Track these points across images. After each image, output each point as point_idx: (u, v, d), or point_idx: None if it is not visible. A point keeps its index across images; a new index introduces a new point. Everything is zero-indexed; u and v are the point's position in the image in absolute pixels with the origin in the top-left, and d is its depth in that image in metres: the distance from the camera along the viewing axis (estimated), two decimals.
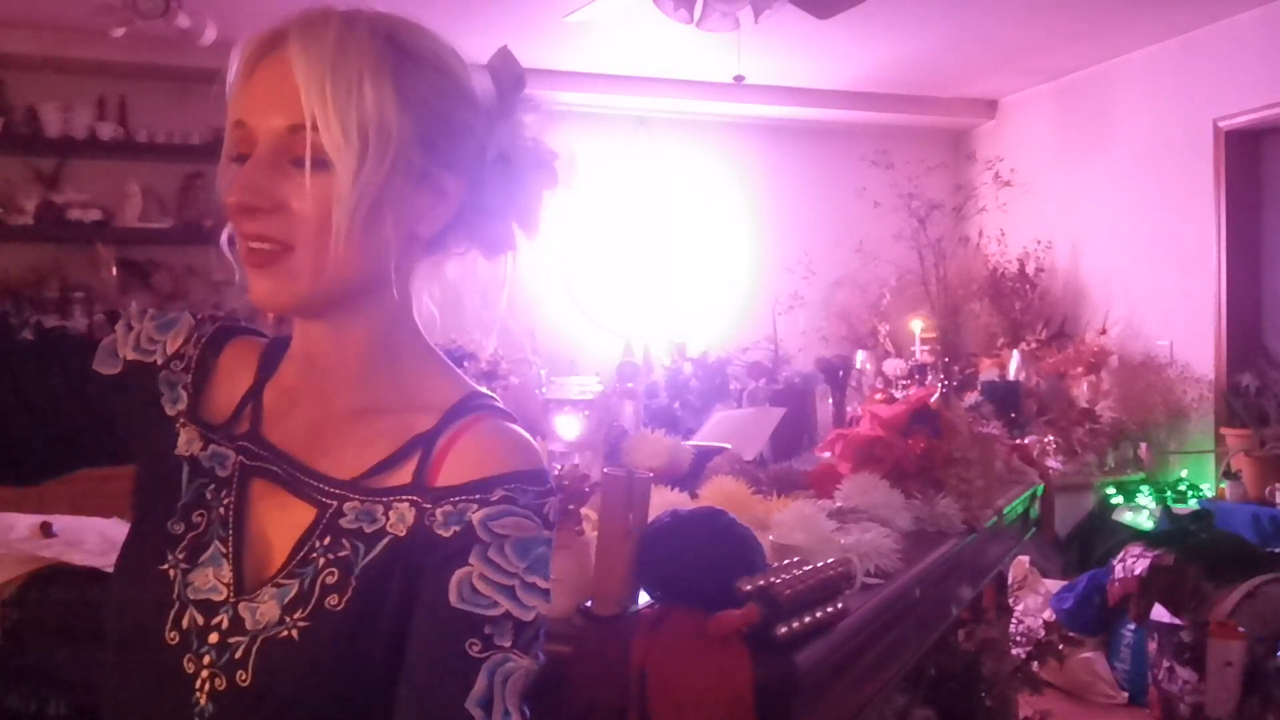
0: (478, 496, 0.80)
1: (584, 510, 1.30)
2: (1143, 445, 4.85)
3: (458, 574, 0.78)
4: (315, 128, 0.76)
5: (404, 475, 0.82)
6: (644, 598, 1.27)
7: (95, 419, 0.89)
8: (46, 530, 2.15)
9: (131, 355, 0.90)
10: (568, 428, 1.65)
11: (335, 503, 0.82)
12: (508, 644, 0.77)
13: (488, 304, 0.90)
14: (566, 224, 5.71)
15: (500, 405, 0.87)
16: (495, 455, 0.82)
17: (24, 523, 2.15)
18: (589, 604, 1.25)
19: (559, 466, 1.49)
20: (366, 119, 0.77)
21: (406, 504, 0.81)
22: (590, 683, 1.17)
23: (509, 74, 0.86)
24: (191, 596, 0.81)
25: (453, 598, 0.77)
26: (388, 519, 0.81)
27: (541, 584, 0.80)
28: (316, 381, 0.87)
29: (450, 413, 0.85)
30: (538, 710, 0.81)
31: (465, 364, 2.75)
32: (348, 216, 0.77)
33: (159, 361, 0.90)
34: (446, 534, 0.79)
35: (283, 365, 0.89)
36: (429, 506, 0.81)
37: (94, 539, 2.14)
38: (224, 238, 0.85)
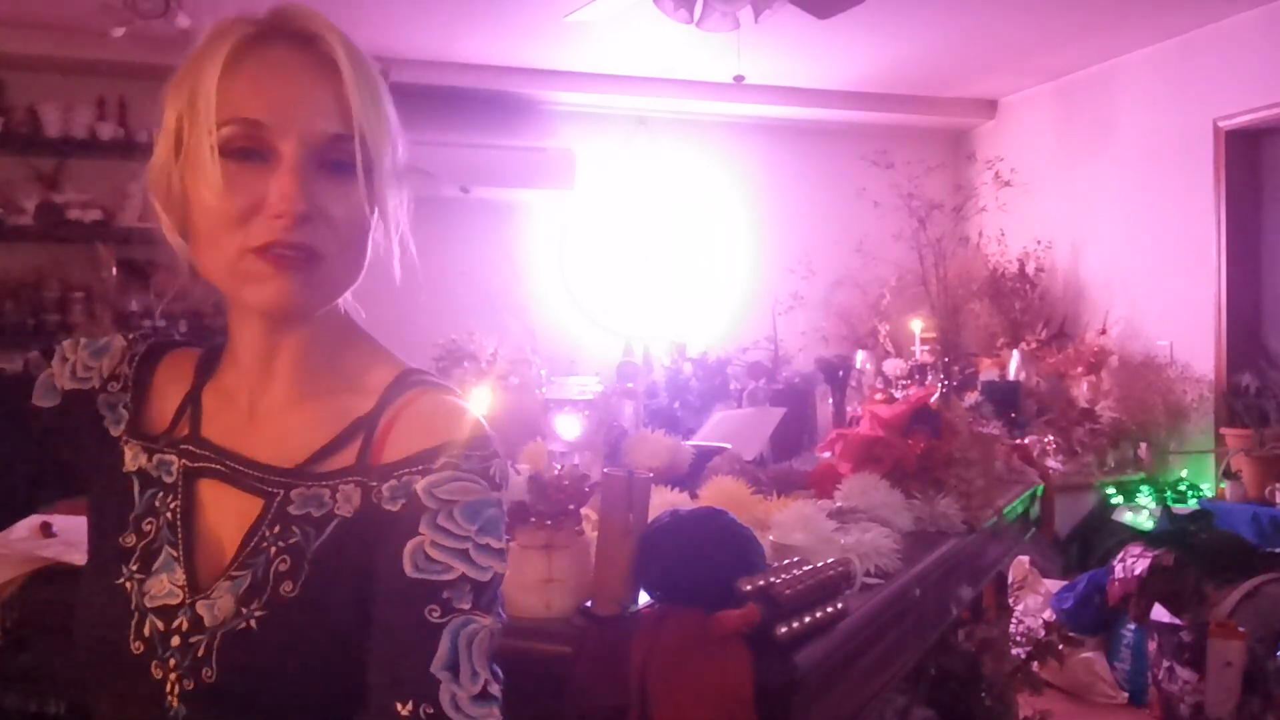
0: (420, 467, 0.80)
1: (584, 510, 1.30)
2: (1143, 445, 4.84)
3: (410, 544, 0.78)
4: (364, 139, 0.80)
5: (348, 458, 0.83)
6: (644, 598, 1.27)
7: (44, 455, 0.90)
8: (46, 530, 2.14)
9: (69, 385, 0.91)
10: (568, 428, 1.65)
11: (281, 491, 0.82)
12: (467, 606, 0.77)
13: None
14: (566, 224, 5.71)
15: (437, 379, 0.87)
16: (435, 426, 0.82)
17: (24, 523, 2.14)
18: (589, 604, 1.25)
19: (559, 466, 1.49)
20: (394, 132, 0.83)
21: (352, 485, 0.82)
22: (590, 683, 1.16)
23: None
24: (149, 604, 0.81)
25: (408, 568, 0.77)
26: (335, 502, 0.81)
27: (495, 544, 0.80)
28: (255, 376, 0.87)
29: (388, 392, 0.85)
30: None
31: (465, 364, 2.74)
32: (372, 224, 0.84)
33: (96, 386, 0.91)
34: (394, 508, 0.80)
35: (221, 366, 0.90)
36: (375, 484, 0.81)
37: None
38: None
